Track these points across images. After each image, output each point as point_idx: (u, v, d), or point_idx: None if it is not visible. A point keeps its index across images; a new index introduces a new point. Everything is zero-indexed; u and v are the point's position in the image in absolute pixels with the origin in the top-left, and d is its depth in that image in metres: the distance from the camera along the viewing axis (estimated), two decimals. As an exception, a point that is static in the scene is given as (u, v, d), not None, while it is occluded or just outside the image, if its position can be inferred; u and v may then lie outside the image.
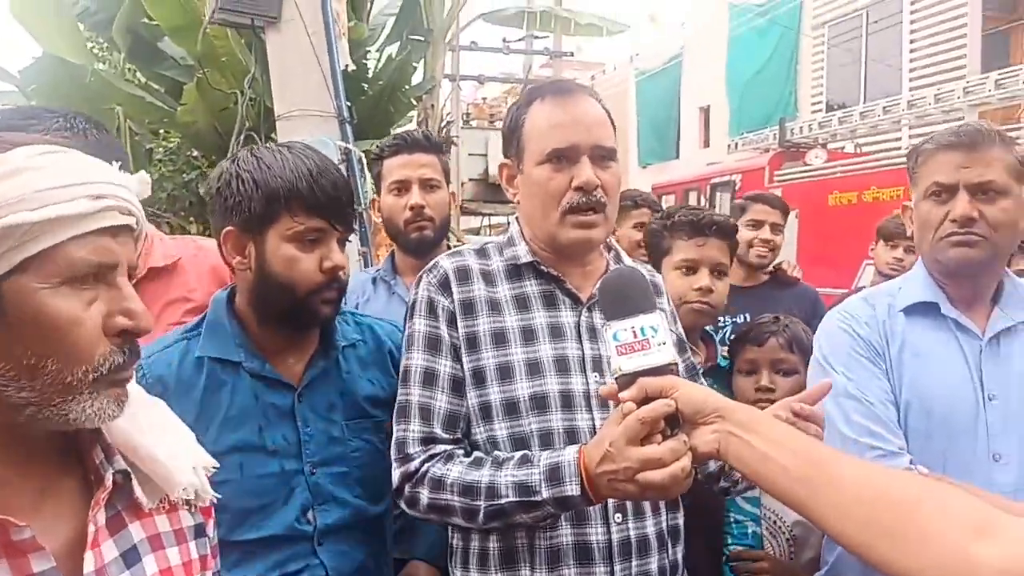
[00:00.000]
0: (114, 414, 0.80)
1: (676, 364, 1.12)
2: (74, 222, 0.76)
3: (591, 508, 1.32)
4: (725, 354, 2.14)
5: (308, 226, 1.38)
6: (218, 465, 0.99)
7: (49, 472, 0.83)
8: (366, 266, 3.89)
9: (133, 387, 0.91)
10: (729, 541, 1.91)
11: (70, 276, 0.76)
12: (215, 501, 0.97)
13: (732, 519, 1.92)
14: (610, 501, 1.33)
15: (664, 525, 1.43)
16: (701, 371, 2.02)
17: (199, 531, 0.96)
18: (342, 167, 3.83)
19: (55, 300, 0.75)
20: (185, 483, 0.90)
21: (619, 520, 1.36)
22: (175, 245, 1.90)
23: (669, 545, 1.43)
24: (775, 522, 1.87)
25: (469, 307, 1.41)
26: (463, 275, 1.44)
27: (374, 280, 2.30)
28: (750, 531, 1.90)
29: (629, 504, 1.37)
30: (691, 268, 2.01)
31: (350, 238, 1.49)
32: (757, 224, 3.18)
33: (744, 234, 3.09)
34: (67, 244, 0.76)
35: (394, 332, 1.62)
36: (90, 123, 1.67)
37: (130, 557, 0.85)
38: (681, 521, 1.49)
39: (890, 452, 1.47)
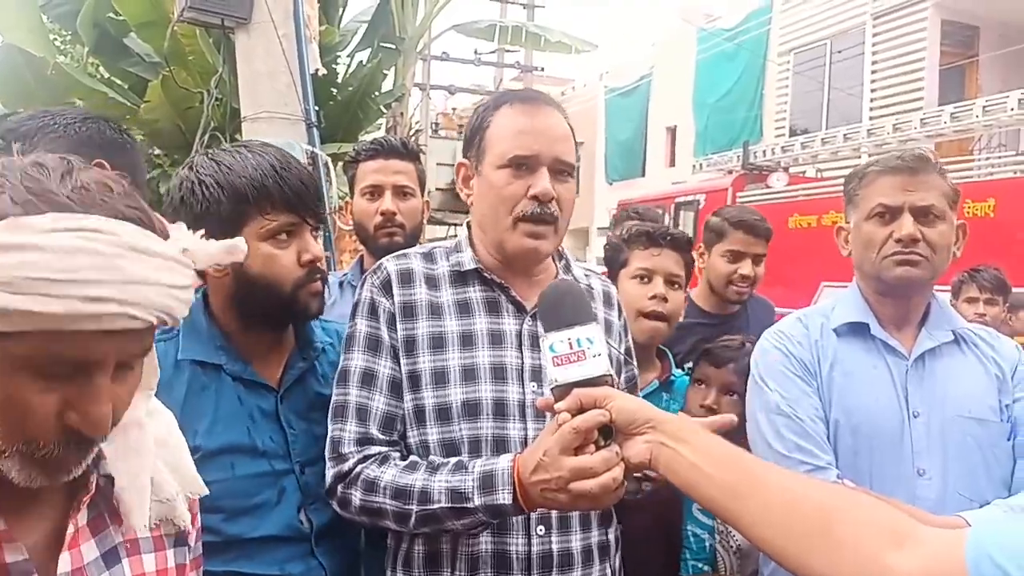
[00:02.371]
0: (30, 483, 0.75)
1: (611, 376, 1.13)
2: (54, 320, 0.69)
3: (513, 519, 1.32)
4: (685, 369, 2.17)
5: (281, 221, 1.37)
6: (206, 491, 0.99)
7: None
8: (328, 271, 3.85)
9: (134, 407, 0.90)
10: (687, 555, 1.92)
11: (37, 364, 0.71)
12: (187, 528, 0.96)
13: (690, 533, 1.93)
14: (533, 513, 1.32)
15: (593, 540, 1.41)
16: (656, 385, 2.04)
17: (179, 540, 0.95)
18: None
19: (11, 379, 0.71)
20: (137, 525, 0.87)
21: (541, 532, 1.35)
22: None
23: (596, 560, 1.41)
24: (725, 534, 1.90)
25: (409, 310, 1.40)
26: (406, 278, 1.43)
27: (341, 284, 2.29)
28: (707, 544, 1.91)
29: (554, 517, 1.36)
30: (646, 277, 2.05)
31: (319, 227, 1.49)
32: (736, 256, 2.69)
33: (719, 266, 2.71)
34: (42, 335, 0.70)
35: None
36: (79, 120, 1.68)
37: (110, 559, 0.84)
38: (612, 536, 1.48)
39: (818, 467, 1.52)
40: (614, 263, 2.13)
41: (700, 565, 1.92)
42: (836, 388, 1.60)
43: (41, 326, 0.69)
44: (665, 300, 2.02)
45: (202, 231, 0.83)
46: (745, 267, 2.68)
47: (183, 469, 0.96)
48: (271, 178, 1.36)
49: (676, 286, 2.07)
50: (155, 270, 0.74)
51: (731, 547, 1.88)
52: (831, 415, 1.59)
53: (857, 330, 1.64)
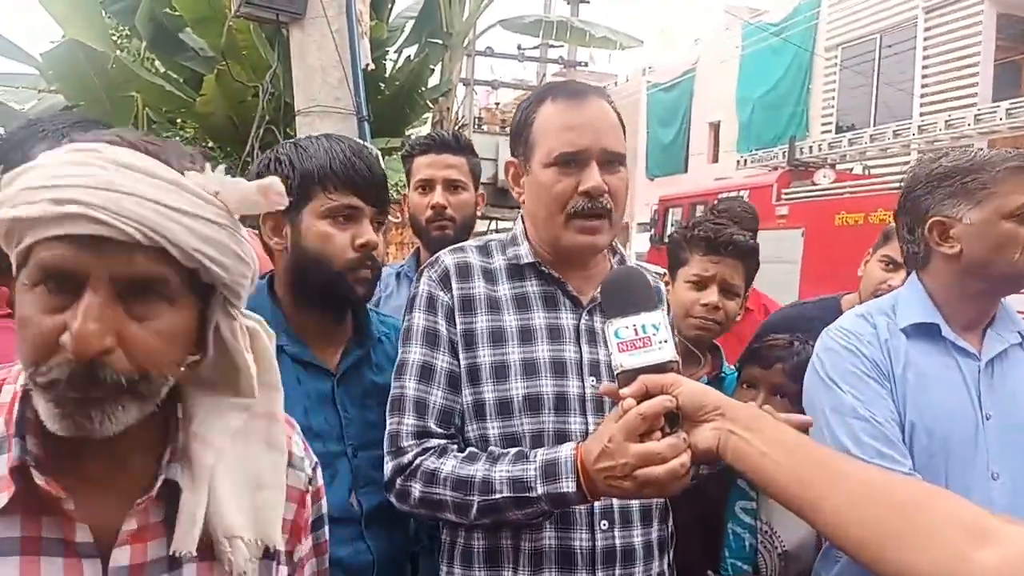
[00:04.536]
0: (57, 428, 0.74)
1: (677, 362, 1.10)
2: (33, 225, 0.73)
3: (577, 513, 1.32)
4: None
5: (341, 202, 1.41)
6: (280, 546, 0.93)
7: (129, 449, 0.82)
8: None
9: (257, 426, 0.89)
10: (727, 554, 1.93)
11: (38, 279, 0.74)
12: (276, 548, 0.91)
13: (731, 532, 1.93)
14: (596, 507, 1.33)
15: (653, 535, 1.41)
16: (706, 381, 1.99)
17: (265, 553, 0.91)
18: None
19: (24, 298, 0.75)
20: (179, 547, 0.83)
21: (605, 527, 1.34)
22: None
23: (656, 556, 1.41)
24: (769, 535, 1.89)
25: (468, 304, 1.40)
26: (464, 272, 1.42)
27: (398, 275, 2.33)
28: (747, 544, 1.91)
29: (616, 512, 1.35)
30: (701, 283, 1.99)
31: (382, 221, 1.51)
32: (891, 265, 2.44)
33: (872, 273, 2.50)
34: (38, 246, 0.73)
35: None
36: (68, 125, 1.76)
37: (175, 562, 0.84)
38: (668, 531, 1.47)
39: (904, 474, 1.45)
40: (675, 259, 2.07)
41: (741, 565, 1.92)
42: (911, 389, 1.55)
43: (31, 237, 0.73)
44: (717, 308, 1.97)
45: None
46: (897, 279, 2.36)
47: (263, 517, 0.90)
48: (339, 161, 1.41)
49: (732, 295, 2.00)
50: (148, 187, 0.74)
51: (775, 548, 1.87)
52: (906, 417, 1.54)
53: (926, 331, 1.59)
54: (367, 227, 1.44)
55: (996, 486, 1.51)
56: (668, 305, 1.66)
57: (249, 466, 0.89)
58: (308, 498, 1.01)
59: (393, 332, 1.61)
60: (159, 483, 0.82)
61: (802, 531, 1.78)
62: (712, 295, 1.98)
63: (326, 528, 1.07)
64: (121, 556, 0.80)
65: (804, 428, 1.35)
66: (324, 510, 1.06)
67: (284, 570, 0.95)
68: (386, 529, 1.48)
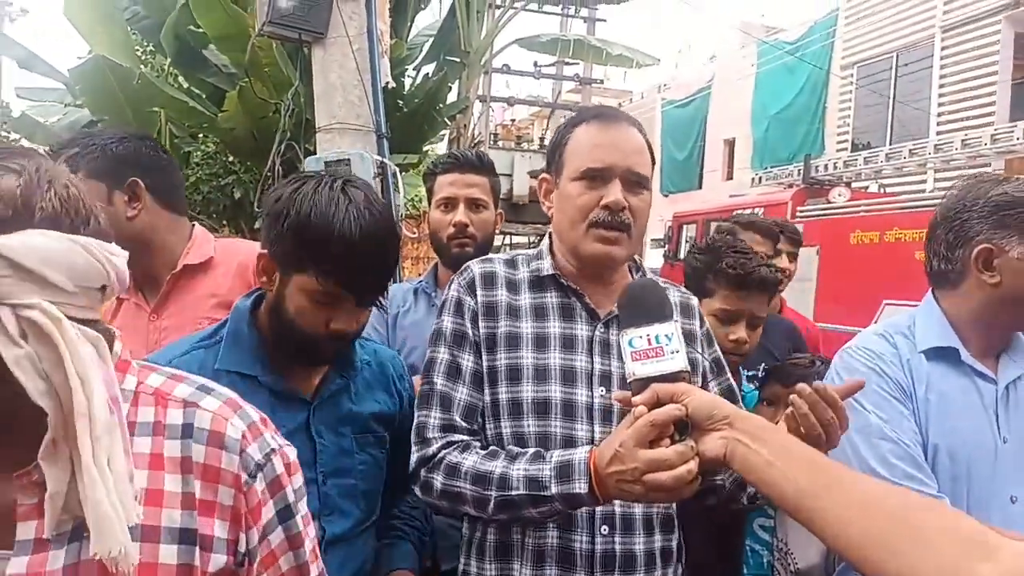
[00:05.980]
0: None
1: (688, 372, 1.16)
2: None
3: (578, 516, 1.38)
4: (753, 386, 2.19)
5: (323, 289, 1.36)
6: (190, 526, 0.90)
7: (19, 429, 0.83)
8: (393, 281, 3.96)
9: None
10: (745, 571, 1.95)
11: None
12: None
13: (749, 548, 1.95)
14: (598, 512, 1.38)
15: (656, 545, 1.44)
16: None
17: (186, 537, 0.89)
18: (377, 180, 3.96)
19: None
20: (47, 526, 0.82)
21: (605, 532, 1.39)
22: (212, 244, 1.99)
23: (659, 566, 1.44)
24: (784, 553, 1.91)
25: (490, 310, 1.49)
26: (489, 280, 1.52)
27: (416, 291, 2.37)
28: (765, 560, 1.93)
29: (618, 518, 1.40)
30: (728, 319, 2.02)
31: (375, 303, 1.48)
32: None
33: None
34: None
35: (394, 358, 1.68)
36: (116, 140, 1.82)
37: (76, 534, 0.84)
38: (675, 543, 1.49)
39: (932, 496, 1.44)
40: (696, 287, 2.05)
41: None
42: (933, 412, 1.54)
43: None
44: (745, 343, 2.00)
45: None
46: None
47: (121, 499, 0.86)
48: (341, 245, 1.34)
49: (756, 325, 2.04)
50: None
51: (789, 565, 1.87)
52: (929, 440, 1.53)
53: (945, 354, 1.59)
54: (346, 313, 1.41)
55: (1015, 509, 1.52)
56: (701, 317, 1.64)
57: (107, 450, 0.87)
58: (255, 485, 0.96)
59: (374, 357, 1.63)
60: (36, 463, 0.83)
61: (813, 551, 1.81)
62: (740, 331, 2.02)
63: (297, 518, 1.03)
64: (29, 530, 0.82)
65: (852, 392, 1.33)
66: (290, 500, 1.02)
67: (218, 558, 0.91)
68: (344, 555, 1.49)
